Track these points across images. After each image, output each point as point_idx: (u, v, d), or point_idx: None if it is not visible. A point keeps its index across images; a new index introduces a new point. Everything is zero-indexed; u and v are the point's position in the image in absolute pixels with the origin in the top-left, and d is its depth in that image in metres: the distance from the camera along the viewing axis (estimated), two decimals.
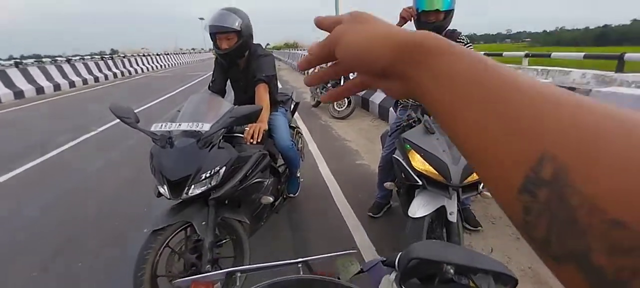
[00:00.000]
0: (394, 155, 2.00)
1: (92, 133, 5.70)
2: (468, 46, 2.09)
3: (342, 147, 4.67)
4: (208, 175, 1.58)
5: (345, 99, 6.27)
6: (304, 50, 22.64)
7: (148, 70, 21.51)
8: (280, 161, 2.46)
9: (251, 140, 1.81)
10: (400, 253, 0.57)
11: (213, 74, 2.39)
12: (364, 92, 6.97)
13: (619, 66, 4.59)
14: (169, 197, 1.59)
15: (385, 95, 6.13)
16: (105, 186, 3.51)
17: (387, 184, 2.21)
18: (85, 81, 13.94)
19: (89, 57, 17.73)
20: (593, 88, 2.55)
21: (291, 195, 2.67)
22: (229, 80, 2.41)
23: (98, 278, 2.10)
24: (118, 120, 1.65)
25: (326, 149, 4.50)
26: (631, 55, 4.58)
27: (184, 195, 1.56)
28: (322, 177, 3.58)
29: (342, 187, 3.29)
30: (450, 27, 2.17)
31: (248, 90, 2.24)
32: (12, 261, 2.28)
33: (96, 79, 14.84)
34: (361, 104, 7.00)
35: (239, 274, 0.63)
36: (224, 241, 1.80)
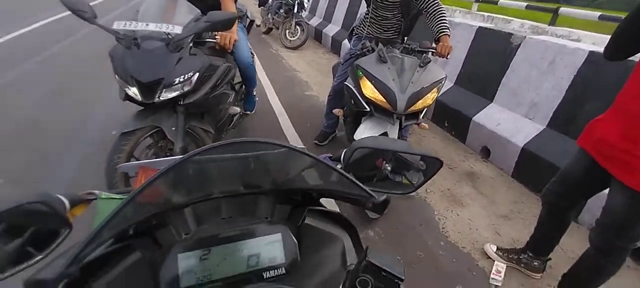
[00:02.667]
0: (345, 83, 2.03)
1: None
2: None
3: (293, 77, 4.59)
4: (181, 80, 1.54)
5: (299, 28, 6.01)
6: None
7: None
8: (237, 78, 2.37)
9: (222, 47, 1.77)
10: (346, 149, 0.61)
11: None
12: (317, 23, 6.73)
13: (552, 19, 4.99)
14: (140, 99, 1.53)
15: (339, 28, 5.98)
16: (23, 102, 3.08)
17: (336, 110, 2.27)
18: None
19: None
20: (528, 36, 2.76)
21: (248, 112, 2.64)
22: None
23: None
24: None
25: (276, 79, 4.39)
26: (565, 10, 4.98)
27: (156, 99, 1.52)
28: (271, 106, 3.55)
29: (291, 116, 3.32)
30: None
31: (207, 0, 2.03)
32: None
33: None
34: (314, 35, 6.77)
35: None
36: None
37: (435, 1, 2.01)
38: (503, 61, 2.80)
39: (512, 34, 2.82)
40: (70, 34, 5.32)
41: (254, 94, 2.66)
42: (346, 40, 5.43)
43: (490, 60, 2.94)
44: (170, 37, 1.56)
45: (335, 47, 5.87)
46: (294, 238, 0.54)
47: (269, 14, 6.49)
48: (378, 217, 1.97)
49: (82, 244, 0.38)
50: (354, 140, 1.92)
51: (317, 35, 6.68)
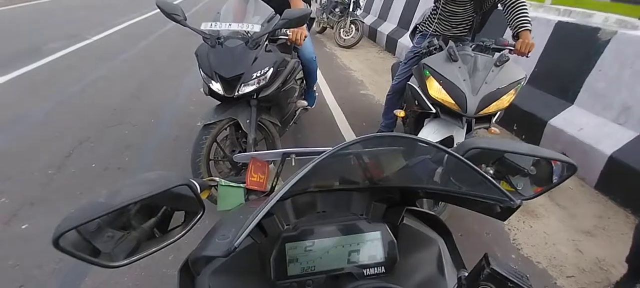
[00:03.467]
0: (408, 83, 1.98)
1: (88, 41, 5.45)
2: None
3: (347, 76, 4.58)
4: (258, 74, 1.67)
5: (353, 27, 5.98)
6: None
7: None
8: (299, 74, 2.45)
9: (294, 43, 1.88)
10: (453, 148, 0.58)
11: None
12: (372, 21, 6.64)
13: None
14: (222, 93, 1.68)
15: (395, 26, 5.85)
16: (109, 95, 3.47)
17: (397, 111, 2.21)
18: None
19: None
20: (619, 31, 2.44)
21: (309, 107, 2.71)
22: None
23: (113, 179, 2.18)
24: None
25: (331, 77, 4.42)
26: None
27: (236, 93, 1.66)
28: (327, 104, 3.58)
29: (347, 115, 3.32)
30: None
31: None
32: (28, 159, 2.34)
33: None
34: (368, 33, 6.69)
35: (294, 156, 0.66)
36: (258, 142, 1.96)
37: None
38: (587, 59, 2.51)
39: (599, 29, 2.52)
40: (153, 30, 5.91)
41: (314, 89, 2.72)
42: (402, 39, 5.31)
43: (571, 58, 2.65)
44: (249, 35, 1.69)
45: (390, 45, 5.74)
46: (393, 237, 0.53)
47: (324, 13, 6.55)
48: None
49: (245, 227, 0.40)
50: None
51: (372, 34, 6.60)
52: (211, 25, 1.69)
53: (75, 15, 7.70)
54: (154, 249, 0.45)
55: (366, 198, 0.61)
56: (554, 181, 0.55)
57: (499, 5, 1.94)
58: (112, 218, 0.46)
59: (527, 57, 1.79)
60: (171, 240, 0.47)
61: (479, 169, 0.45)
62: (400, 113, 2.23)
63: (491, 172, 0.61)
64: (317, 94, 2.86)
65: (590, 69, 2.49)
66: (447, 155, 0.60)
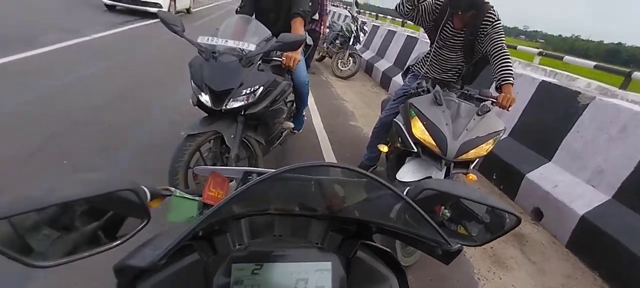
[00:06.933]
0: (395, 119, 2.01)
1: (85, 38, 5.44)
2: (497, 24, 1.94)
3: (339, 106, 4.65)
4: (248, 91, 1.70)
5: (351, 59, 6.14)
6: None
7: None
8: (290, 96, 2.48)
9: (287, 66, 1.93)
10: (409, 187, 0.58)
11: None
12: (370, 57, 6.85)
13: (624, 83, 4.60)
14: (210, 105, 1.70)
15: (391, 64, 6.03)
16: (95, 94, 3.43)
17: (380, 146, 2.24)
18: None
19: None
20: (597, 97, 2.57)
21: (296, 130, 2.72)
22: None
23: None
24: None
25: (323, 105, 4.48)
26: (639, 74, 4.58)
27: (224, 107, 1.68)
28: (315, 131, 3.61)
29: (333, 143, 3.34)
30: None
31: (277, 24, 2.20)
32: None
33: None
34: (365, 68, 6.88)
35: (255, 176, 0.65)
36: (242, 159, 1.95)
37: (501, 44, 1.89)
38: (567, 120, 2.61)
39: (579, 93, 2.64)
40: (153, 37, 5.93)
41: (304, 114, 2.74)
42: (396, 77, 5.47)
43: (551, 116, 2.76)
44: (244, 53, 1.74)
45: (385, 82, 5.90)
46: (343, 270, 0.52)
47: (325, 43, 6.73)
48: (412, 264, 1.86)
49: (178, 238, 0.39)
50: (396, 178, 1.88)
51: (368, 69, 6.78)
52: (208, 39, 1.75)
53: (77, 10, 7.73)
54: (87, 254, 0.43)
55: (324, 227, 0.60)
56: (502, 230, 0.56)
57: (488, 55, 1.99)
58: (52, 216, 0.44)
59: (507, 110, 1.84)
60: (107, 246, 0.45)
61: (420, 210, 0.46)
62: (384, 148, 2.26)
63: (448, 215, 0.61)
64: (305, 118, 2.88)
65: (569, 129, 2.58)
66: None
